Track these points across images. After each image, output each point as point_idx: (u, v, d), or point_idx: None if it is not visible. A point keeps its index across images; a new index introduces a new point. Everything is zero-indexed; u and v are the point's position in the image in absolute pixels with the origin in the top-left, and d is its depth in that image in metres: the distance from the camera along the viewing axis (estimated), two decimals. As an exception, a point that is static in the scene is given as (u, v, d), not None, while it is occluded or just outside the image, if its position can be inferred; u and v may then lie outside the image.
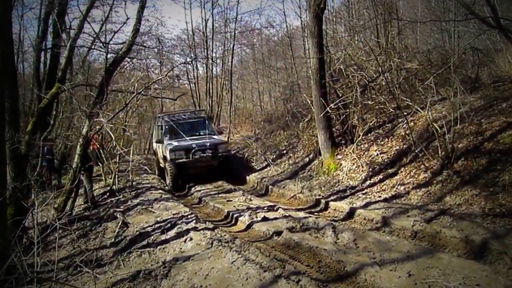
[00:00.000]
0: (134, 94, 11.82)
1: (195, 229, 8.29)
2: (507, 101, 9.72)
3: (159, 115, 18.32)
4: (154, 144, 18.26)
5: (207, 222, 9.08)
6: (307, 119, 15.46)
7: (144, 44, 22.88)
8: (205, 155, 14.63)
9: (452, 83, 10.21)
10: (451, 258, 5.66)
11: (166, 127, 16.01)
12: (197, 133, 16.12)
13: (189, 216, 9.46)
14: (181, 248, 7.50)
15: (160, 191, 13.32)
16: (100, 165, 15.26)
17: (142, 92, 12.01)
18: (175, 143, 15.01)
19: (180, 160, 14.60)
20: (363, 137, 12.17)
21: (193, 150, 14.61)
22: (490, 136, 8.77)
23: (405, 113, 10.93)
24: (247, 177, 15.46)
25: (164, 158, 15.37)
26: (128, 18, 10.79)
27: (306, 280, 5.20)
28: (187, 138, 15.13)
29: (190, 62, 28.54)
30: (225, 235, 7.85)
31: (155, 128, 18.21)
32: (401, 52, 14.30)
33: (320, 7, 12.31)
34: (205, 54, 29.53)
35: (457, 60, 12.17)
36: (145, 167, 17.92)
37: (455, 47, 14.62)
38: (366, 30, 16.40)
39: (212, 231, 8.11)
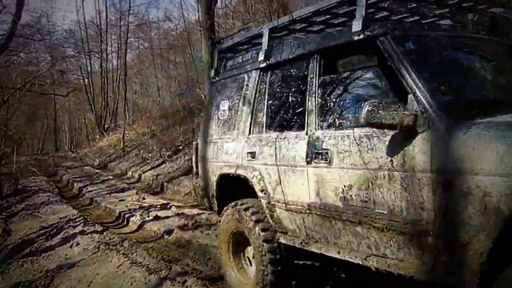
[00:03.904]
0: (14, 90, 10.98)
1: (82, 232, 7.87)
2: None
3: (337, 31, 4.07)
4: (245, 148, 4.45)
5: (96, 225, 8.67)
6: (202, 114, 15.39)
7: (31, 37, 21.27)
8: None
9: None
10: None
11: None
12: None
13: (77, 219, 8.97)
14: (66, 254, 7.08)
15: (49, 193, 12.57)
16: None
17: (27, 87, 11.27)
18: None
19: None
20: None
21: None
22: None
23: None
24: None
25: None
26: (4, 8, 9.83)
27: (192, 280, 5.08)
28: None
29: (76, 56, 27.38)
30: (114, 237, 7.51)
31: (258, 90, 4.48)
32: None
33: (211, 1, 12.23)
34: (100, 48, 28.53)
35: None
36: (34, 169, 16.93)
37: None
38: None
39: (101, 233, 7.74)
